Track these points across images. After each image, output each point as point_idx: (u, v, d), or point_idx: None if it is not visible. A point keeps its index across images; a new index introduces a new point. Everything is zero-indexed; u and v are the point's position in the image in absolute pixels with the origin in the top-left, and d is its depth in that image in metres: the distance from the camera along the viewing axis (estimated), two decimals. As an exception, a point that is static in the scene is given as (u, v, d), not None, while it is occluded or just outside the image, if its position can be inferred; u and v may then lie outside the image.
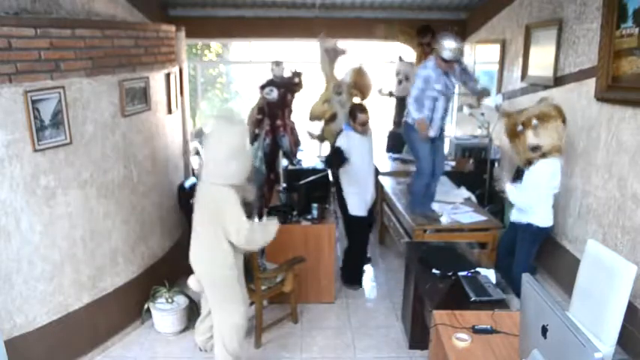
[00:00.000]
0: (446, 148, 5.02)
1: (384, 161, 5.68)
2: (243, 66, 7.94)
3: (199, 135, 6.05)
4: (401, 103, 5.78)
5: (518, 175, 3.88)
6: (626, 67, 3.29)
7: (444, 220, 3.97)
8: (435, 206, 4.12)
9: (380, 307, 3.97)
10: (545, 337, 1.73)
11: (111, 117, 3.28)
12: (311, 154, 5.96)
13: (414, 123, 3.82)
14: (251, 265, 3.19)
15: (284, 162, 5.51)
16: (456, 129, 6.85)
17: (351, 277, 4.28)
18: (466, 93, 5.78)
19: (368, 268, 4.63)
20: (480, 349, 2.15)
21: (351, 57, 5.83)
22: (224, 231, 2.79)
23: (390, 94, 6.25)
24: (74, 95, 2.95)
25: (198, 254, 2.93)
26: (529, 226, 3.41)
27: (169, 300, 3.58)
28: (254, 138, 5.71)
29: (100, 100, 3.17)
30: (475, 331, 2.26)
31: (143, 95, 3.66)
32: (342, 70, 5.71)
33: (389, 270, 4.61)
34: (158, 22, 4.80)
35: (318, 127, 5.92)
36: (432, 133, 3.83)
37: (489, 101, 5.58)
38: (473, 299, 2.67)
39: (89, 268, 3.17)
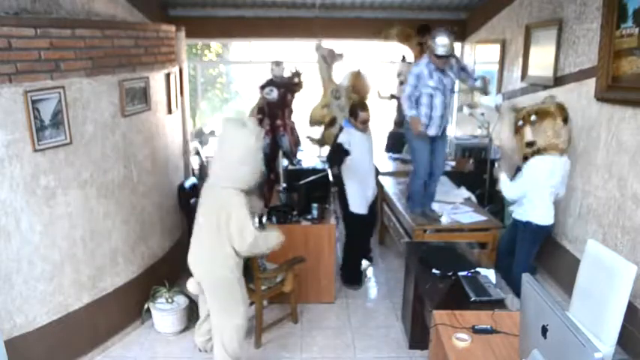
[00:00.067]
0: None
1: (384, 161, 5.68)
2: (243, 66, 7.94)
3: (199, 135, 6.06)
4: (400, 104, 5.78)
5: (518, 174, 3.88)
6: (626, 67, 3.29)
7: (444, 220, 3.97)
8: (435, 206, 4.12)
9: (380, 307, 3.97)
10: (545, 337, 1.73)
11: (111, 117, 3.28)
12: (311, 154, 5.97)
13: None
14: (251, 265, 3.19)
15: (284, 162, 5.51)
16: (456, 129, 6.85)
17: (351, 276, 4.28)
18: (466, 92, 5.79)
19: (369, 268, 4.63)
20: (480, 349, 2.15)
21: (348, 61, 5.84)
22: (228, 235, 2.77)
23: (392, 96, 6.24)
24: (74, 95, 2.95)
25: (199, 256, 2.92)
26: (528, 224, 3.41)
27: (169, 300, 3.58)
28: None
29: (100, 100, 3.17)
30: (475, 331, 2.26)
31: (143, 95, 3.66)
32: (340, 74, 5.73)
33: (389, 270, 4.61)
34: (158, 22, 4.80)
35: (318, 131, 5.95)
36: (432, 131, 3.82)
37: (489, 101, 5.59)
38: (473, 299, 2.67)
39: (89, 268, 3.17)
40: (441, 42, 3.56)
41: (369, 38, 6.39)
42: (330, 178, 4.39)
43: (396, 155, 5.93)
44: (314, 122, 5.78)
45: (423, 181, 4.05)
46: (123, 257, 3.46)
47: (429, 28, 5.66)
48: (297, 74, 5.61)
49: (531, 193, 3.38)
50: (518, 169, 4.20)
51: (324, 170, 4.49)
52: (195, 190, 4.60)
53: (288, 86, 5.55)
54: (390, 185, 4.86)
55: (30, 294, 2.83)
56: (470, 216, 4.04)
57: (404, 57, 6.20)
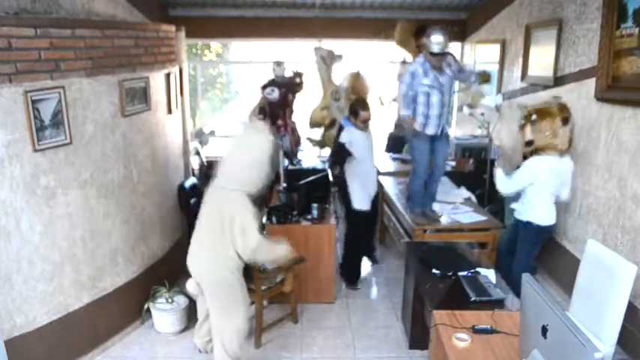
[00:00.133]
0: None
1: (384, 161, 5.68)
2: (243, 66, 7.94)
3: (199, 135, 6.06)
4: None
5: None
6: (626, 67, 3.29)
7: (444, 220, 3.97)
8: (435, 206, 4.12)
9: (380, 307, 3.97)
10: (545, 337, 1.73)
11: (111, 117, 3.28)
12: (311, 154, 5.97)
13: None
14: (251, 265, 3.19)
15: (284, 162, 5.51)
16: (456, 129, 6.85)
17: (351, 275, 4.26)
18: (466, 91, 5.78)
19: (370, 268, 4.62)
20: (480, 349, 2.15)
21: (348, 62, 5.84)
22: (231, 237, 2.77)
23: (394, 100, 6.22)
24: (74, 95, 2.95)
25: (198, 256, 2.91)
26: (529, 224, 3.40)
27: (169, 300, 3.58)
28: None
29: (100, 100, 3.17)
30: (475, 331, 2.26)
31: (143, 95, 3.66)
32: (340, 75, 5.73)
33: (389, 270, 4.61)
34: (158, 22, 4.80)
35: (317, 133, 5.95)
36: (431, 130, 3.82)
37: (489, 101, 5.59)
38: (473, 299, 2.67)
39: (89, 268, 3.17)
40: (436, 40, 3.58)
41: (369, 38, 6.39)
42: (330, 178, 4.38)
43: (396, 155, 5.93)
44: (314, 124, 5.79)
45: (422, 181, 4.05)
46: (123, 257, 3.46)
47: (426, 29, 5.67)
48: (298, 74, 5.61)
49: (531, 193, 3.37)
50: (518, 169, 4.20)
51: (324, 170, 4.50)
52: (195, 190, 4.61)
53: (289, 86, 5.55)
54: (390, 185, 4.86)
55: (30, 294, 2.83)
56: (470, 216, 4.04)
57: (404, 59, 6.19)
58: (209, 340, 3.15)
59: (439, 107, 3.76)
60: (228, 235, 2.76)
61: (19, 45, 2.62)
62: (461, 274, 2.95)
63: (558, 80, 4.24)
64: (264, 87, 5.56)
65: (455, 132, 6.73)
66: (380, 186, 4.86)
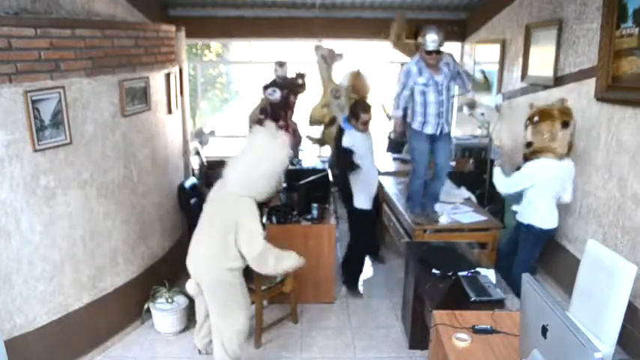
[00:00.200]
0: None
1: (385, 161, 5.68)
2: (243, 66, 7.95)
3: (199, 135, 6.07)
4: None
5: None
6: (626, 67, 3.29)
7: (444, 220, 3.97)
8: (435, 206, 4.12)
9: (380, 307, 3.97)
10: (545, 337, 1.73)
11: (111, 117, 3.28)
12: (311, 154, 5.97)
13: (411, 123, 3.86)
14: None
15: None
16: (456, 129, 6.85)
17: (353, 275, 4.21)
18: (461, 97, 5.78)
19: (371, 269, 4.61)
20: (480, 349, 2.15)
21: (348, 61, 5.83)
22: (235, 240, 2.76)
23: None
24: (74, 95, 2.95)
25: (200, 257, 2.90)
26: (531, 227, 3.40)
27: (169, 300, 3.58)
28: None
29: (100, 100, 3.17)
30: (475, 331, 2.26)
31: (143, 95, 3.66)
32: (340, 74, 5.72)
33: (389, 270, 4.60)
34: (158, 22, 4.80)
35: (317, 131, 5.94)
36: (429, 129, 3.82)
37: (489, 101, 5.59)
38: (473, 299, 2.67)
39: (89, 268, 3.17)
40: (430, 38, 3.60)
41: (369, 38, 6.40)
42: (331, 178, 4.38)
43: (396, 155, 5.93)
44: (314, 122, 5.78)
45: (422, 181, 4.05)
46: (123, 257, 3.46)
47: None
48: (300, 75, 5.61)
49: (532, 196, 3.37)
50: (518, 169, 4.20)
51: (324, 170, 4.49)
52: (195, 190, 4.61)
53: (291, 87, 5.55)
54: (390, 185, 4.86)
55: (30, 294, 2.83)
56: (470, 216, 4.04)
57: (403, 64, 6.19)
58: (209, 341, 3.14)
59: (437, 106, 3.76)
60: (231, 238, 2.76)
61: (19, 45, 2.62)
62: (461, 274, 2.95)
63: (558, 80, 4.24)
64: (265, 87, 5.56)
65: (455, 132, 6.73)
66: (380, 186, 4.86)
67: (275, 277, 3.47)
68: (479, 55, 6.34)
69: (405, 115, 3.99)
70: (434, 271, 3.02)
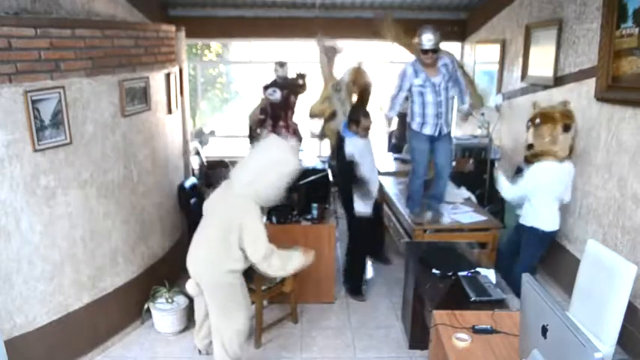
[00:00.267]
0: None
1: (385, 161, 5.68)
2: (243, 66, 7.94)
3: (199, 135, 6.07)
4: (402, 119, 5.71)
5: (518, 175, 3.87)
6: (626, 67, 3.29)
7: (444, 220, 3.97)
8: (439, 207, 4.11)
9: (380, 307, 3.97)
10: (545, 337, 1.73)
11: (111, 117, 3.28)
12: (311, 154, 5.96)
13: (411, 123, 3.87)
14: (251, 265, 3.18)
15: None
16: (456, 129, 6.85)
17: (356, 285, 4.13)
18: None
19: (370, 268, 4.60)
20: (480, 349, 2.15)
21: (349, 55, 5.79)
22: (239, 242, 2.76)
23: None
24: (74, 95, 2.95)
25: (200, 257, 2.89)
26: (533, 229, 3.38)
27: (169, 300, 3.58)
28: (256, 137, 5.72)
29: (100, 100, 3.17)
30: (475, 331, 2.26)
31: (143, 95, 3.66)
32: (341, 68, 5.69)
33: (389, 270, 4.60)
34: (158, 22, 4.80)
35: (317, 125, 5.88)
36: (428, 130, 3.83)
37: (489, 101, 5.59)
38: (473, 299, 2.67)
39: (89, 268, 3.17)
40: (426, 37, 3.62)
41: (369, 38, 6.39)
42: (330, 178, 4.37)
43: (396, 155, 5.93)
44: (314, 115, 5.70)
45: (422, 181, 4.05)
46: (123, 257, 3.46)
47: None
48: (301, 76, 5.60)
49: (535, 199, 3.35)
50: (519, 169, 4.20)
51: (324, 170, 4.49)
52: (195, 190, 4.61)
53: (291, 87, 5.54)
54: (390, 185, 4.86)
55: (30, 294, 2.83)
56: (470, 216, 4.04)
57: None
58: (210, 342, 3.13)
59: (435, 107, 3.76)
60: (233, 239, 2.75)
61: (19, 45, 2.62)
62: (461, 274, 2.95)
63: (558, 80, 4.24)
64: (265, 87, 5.56)
65: (455, 132, 6.72)
66: (380, 186, 4.85)
67: (275, 277, 3.47)
68: (479, 55, 6.34)
69: (404, 116, 4.00)
70: (434, 271, 3.02)
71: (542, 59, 4.53)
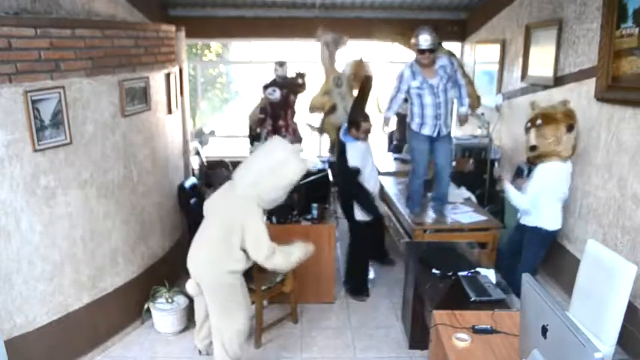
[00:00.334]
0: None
1: (385, 161, 5.68)
2: (243, 66, 7.94)
3: (199, 135, 6.06)
4: (402, 121, 5.69)
5: (518, 175, 3.87)
6: (626, 67, 3.29)
7: (444, 220, 3.97)
8: (442, 208, 4.11)
9: (380, 307, 3.97)
10: (545, 337, 1.73)
11: (111, 117, 3.28)
12: (311, 154, 5.96)
13: (410, 123, 3.87)
14: (251, 266, 3.18)
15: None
16: (456, 129, 6.84)
17: (357, 287, 4.11)
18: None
19: (370, 269, 4.57)
20: (480, 349, 2.15)
21: (351, 49, 5.75)
22: (241, 242, 2.77)
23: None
24: (74, 95, 2.95)
25: (200, 257, 2.89)
26: (537, 229, 3.37)
27: (169, 300, 3.58)
28: (255, 137, 5.73)
29: (100, 100, 3.17)
30: (475, 331, 2.26)
31: (143, 95, 3.66)
32: (343, 62, 5.66)
33: (389, 270, 4.60)
34: (158, 22, 4.80)
35: (317, 119, 5.84)
36: (427, 131, 3.83)
37: (489, 101, 5.59)
38: (473, 299, 2.67)
39: (89, 268, 3.17)
40: (423, 37, 3.64)
41: (369, 38, 6.39)
42: (330, 178, 4.37)
43: (396, 155, 5.93)
44: (314, 109, 5.66)
45: (422, 181, 4.06)
46: (123, 257, 3.46)
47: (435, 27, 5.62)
48: (300, 75, 5.59)
49: (539, 199, 3.32)
50: (519, 169, 4.21)
51: (324, 170, 4.49)
52: (195, 190, 4.61)
53: (291, 87, 5.54)
54: (390, 185, 4.86)
55: (30, 294, 2.83)
56: (470, 216, 4.04)
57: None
58: (210, 342, 3.13)
59: (434, 109, 3.77)
60: (235, 239, 2.76)
61: (19, 45, 2.62)
62: (461, 274, 2.95)
63: (558, 80, 4.24)
64: (265, 87, 5.56)
65: (455, 132, 6.72)
66: (380, 186, 4.85)
67: (275, 277, 3.48)
68: (479, 55, 6.34)
69: (404, 116, 4.00)
70: (434, 271, 3.02)
71: (542, 59, 4.53)
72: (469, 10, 6.49)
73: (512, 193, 3.43)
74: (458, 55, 6.03)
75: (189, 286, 3.02)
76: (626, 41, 3.27)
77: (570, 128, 3.23)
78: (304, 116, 5.84)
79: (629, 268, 2.45)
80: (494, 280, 2.88)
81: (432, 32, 3.65)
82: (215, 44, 8.17)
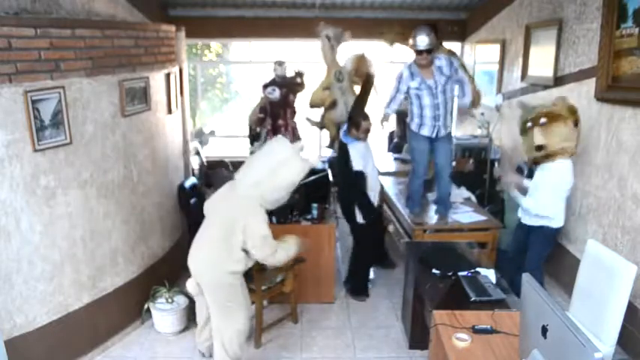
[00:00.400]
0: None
1: (385, 161, 5.68)
2: (243, 66, 7.95)
3: (199, 135, 6.06)
4: (402, 118, 5.68)
5: (519, 174, 3.86)
6: (626, 67, 3.29)
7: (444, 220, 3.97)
8: (434, 207, 4.11)
9: (380, 307, 3.97)
10: (545, 337, 1.73)
11: (111, 117, 3.28)
12: (311, 154, 5.95)
13: (410, 124, 3.87)
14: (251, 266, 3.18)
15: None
16: (456, 129, 6.85)
17: (358, 287, 4.11)
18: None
19: (371, 269, 4.57)
20: (480, 349, 2.15)
21: (351, 48, 5.73)
22: (244, 242, 2.77)
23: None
24: (74, 95, 2.95)
25: (201, 257, 2.89)
26: (543, 228, 3.34)
27: (169, 300, 3.58)
28: (255, 137, 5.73)
29: (100, 100, 3.17)
30: (475, 331, 2.26)
31: (143, 95, 3.66)
32: (344, 57, 5.63)
33: (389, 270, 4.60)
34: (158, 22, 4.80)
35: (317, 114, 5.82)
36: (426, 131, 3.84)
37: (489, 101, 5.59)
38: (473, 299, 2.67)
39: (89, 268, 3.17)
40: (420, 38, 3.65)
41: (369, 38, 6.39)
42: (330, 178, 4.37)
43: (396, 155, 5.93)
44: (314, 104, 5.62)
45: (422, 181, 4.06)
46: (123, 257, 3.46)
47: (435, 28, 5.61)
48: (299, 74, 5.59)
49: (547, 198, 3.28)
50: (519, 169, 4.20)
51: (324, 170, 4.49)
52: (195, 190, 4.61)
53: (290, 86, 5.54)
54: (390, 185, 4.86)
55: (30, 294, 2.82)
56: (470, 216, 4.04)
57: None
58: (212, 344, 3.12)
59: (432, 109, 3.77)
60: (236, 240, 2.76)
61: (19, 45, 2.62)
62: (461, 274, 2.95)
63: (558, 80, 4.24)
64: (265, 86, 5.56)
65: (455, 132, 6.72)
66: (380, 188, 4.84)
67: (275, 277, 3.48)
68: (479, 55, 6.34)
69: (405, 114, 4.01)
70: (434, 271, 3.01)
71: (542, 59, 4.53)
72: (469, 10, 6.49)
73: (523, 202, 3.34)
74: (458, 55, 6.03)
75: (190, 285, 3.02)
76: (626, 41, 3.27)
77: (576, 124, 3.19)
78: (304, 111, 5.82)
79: (629, 268, 2.45)
80: (494, 280, 2.88)
81: (429, 33, 3.65)
82: (215, 44, 8.17)
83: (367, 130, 3.86)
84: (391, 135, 6.54)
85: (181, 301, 3.59)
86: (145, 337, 3.55)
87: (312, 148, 6.42)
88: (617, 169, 3.40)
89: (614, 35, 3.37)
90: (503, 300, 2.67)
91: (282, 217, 3.83)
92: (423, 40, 3.64)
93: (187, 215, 4.43)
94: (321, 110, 5.63)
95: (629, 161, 3.28)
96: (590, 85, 3.70)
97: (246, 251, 2.80)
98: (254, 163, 2.91)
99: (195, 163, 5.61)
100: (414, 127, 3.89)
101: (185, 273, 3.03)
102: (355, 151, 3.81)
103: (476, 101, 5.13)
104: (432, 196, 4.34)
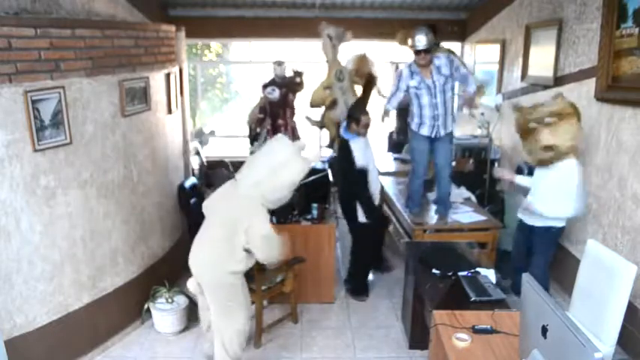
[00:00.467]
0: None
1: (385, 161, 5.68)
2: (243, 66, 7.95)
3: (199, 135, 6.06)
4: (402, 114, 5.67)
5: (519, 174, 3.86)
6: (626, 67, 3.29)
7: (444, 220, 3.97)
8: (434, 207, 4.11)
9: (380, 307, 3.97)
10: (545, 337, 1.73)
11: (111, 117, 3.28)
12: (311, 154, 5.95)
13: (410, 123, 3.88)
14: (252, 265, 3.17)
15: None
16: (456, 129, 6.84)
17: (358, 287, 4.10)
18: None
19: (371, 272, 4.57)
20: (480, 349, 2.15)
21: (352, 48, 5.72)
22: (247, 242, 2.76)
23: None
24: (74, 95, 2.95)
25: (202, 256, 2.88)
26: (548, 229, 3.31)
27: (169, 300, 3.58)
28: (255, 137, 5.73)
29: (100, 100, 3.17)
30: (475, 331, 2.26)
31: (143, 95, 3.66)
32: (345, 56, 5.62)
33: (385, 273, 4.59)
34: (158, 22, 4.80)
35: (318, 113, 5.81)
36: (425, 131, 3.84)
37: (489, 101, 5.59)
38: (473, 299, 2.67)
39: (89, 268, 3.17)
40: (418, 38, 3.66)
41: (369, 38, 6.40)
42: (330, 178, 4.37)
43: (396, 155, 5.93)
44: (315, 103, 5.61)
45: (422, 181, 4.06)
46: (123, 257, 3.46)
47: (434, 28, 5.60)
48: (298, 74, 5.59)
49: (555, 197, 3.23)
50: (519, 169, 4.20)
51: (324, 170, 4.49)
52: (195, 190, 4.61)
53: (289, 86, 5.55)
54: (390, 185, 4.86)
55: (30, 294, 2.83)
56: (470, 216, 4.04)
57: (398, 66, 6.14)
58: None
59: (431, 109, 3.78)
60: (237, 240, 2.75)
61: (19, 45, 2.62)
62: (461, 274, 2.95)
63: (558, 80, 4.24)
64: (264, 86, 5.56)
65: (455, 132, 6.71)
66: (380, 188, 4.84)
67: (275, 277, 3.48)
68: (479, 55, 6.34)
69: (405, 111, 4.02)
70: (434, 271, 3.01)
71: (542, 59, 4.53)
72: (469, 10, 6.49)
73: (537, 204, 3.25)
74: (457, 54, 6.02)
75: (190, 285, 3.02)
76: (626, 41, 3.27)
77: (579, 120, 3.18)
78: (304, 110, 5.81)
79: (629, 268, 2.45)
80: (494, 280, 2.88)
81: (427, 33, 3.66)
82: (215, 44, 8.18)
83: (367, 125, 3.84)
84: (391, 135, 6.54)
85: (181, 301, 3.59)
86: (145, 337, 3.55)
87: (312, 147, 6.42)
88: (617, 169, 3.40)
89: (614, 35, 3.37)
90: (503, 300, 2.67)
91: (282, 216, 3.84)
92: (420, 40, 3.65)
93: (187, 215, 4.43)
94: (322, 110, 5.63)
95: (629, 161, 3.28)
96: (590, 85, 3.70)
97: (248, 251, 2.80)
98: (254, 163, 2.91)
99: (195, 163, 5.62)
100: (414, 126, 3.90)
101: (185, 273, 3.03)
102: (357, 147, 3.80)
103: (480, 91, 5.12)
104: (432, 196, 4.34)
